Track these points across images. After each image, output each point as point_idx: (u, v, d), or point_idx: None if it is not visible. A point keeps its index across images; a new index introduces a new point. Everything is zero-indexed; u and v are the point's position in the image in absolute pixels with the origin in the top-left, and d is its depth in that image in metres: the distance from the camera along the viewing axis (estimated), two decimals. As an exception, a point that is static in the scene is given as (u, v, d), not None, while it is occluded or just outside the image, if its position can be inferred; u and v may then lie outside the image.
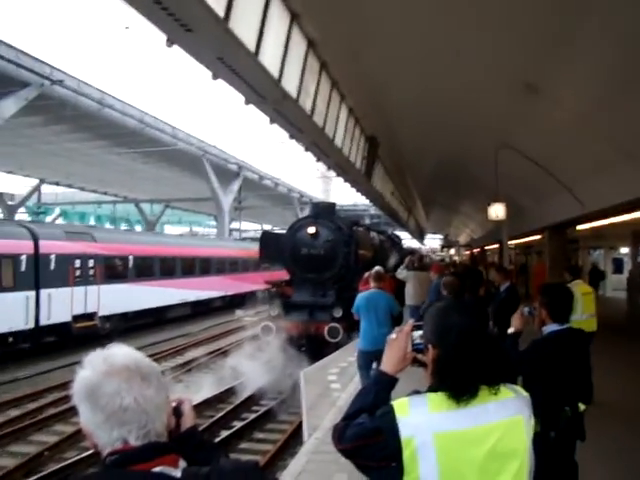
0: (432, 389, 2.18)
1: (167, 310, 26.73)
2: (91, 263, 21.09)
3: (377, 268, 9.76)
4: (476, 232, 37.17)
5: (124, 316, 23.10)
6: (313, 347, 14.45)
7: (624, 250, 32.06)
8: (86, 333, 19.65)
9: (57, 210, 50.16)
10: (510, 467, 2.06)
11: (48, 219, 41.57)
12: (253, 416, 11.84)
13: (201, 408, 12.24)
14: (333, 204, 18.28)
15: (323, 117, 11.24)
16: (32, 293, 17.97)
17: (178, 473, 1.46)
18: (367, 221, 47.52)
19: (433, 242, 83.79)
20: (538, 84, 9.74)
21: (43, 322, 18.28)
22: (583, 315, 8.75)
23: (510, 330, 4.69)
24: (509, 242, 20.77)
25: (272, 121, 10.62)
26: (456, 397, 2.07)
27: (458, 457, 2.02)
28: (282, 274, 17.96)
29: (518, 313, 4.77)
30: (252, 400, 13.02)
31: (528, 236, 23.48)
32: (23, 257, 17.88)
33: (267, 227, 73.95)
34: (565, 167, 12.82)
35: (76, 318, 19.83)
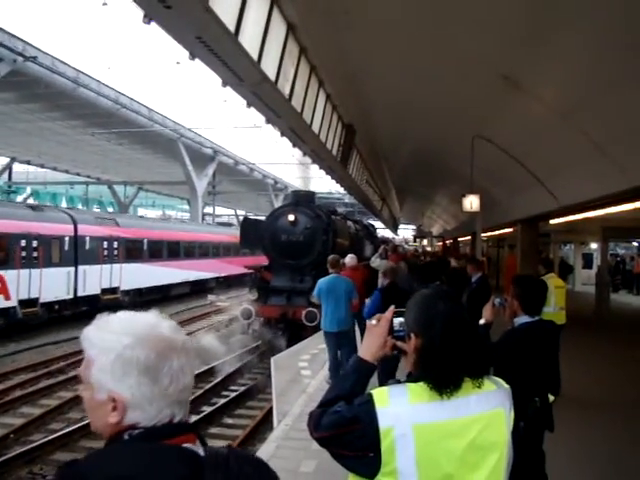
0: (413, 379, 2.13)
1: (172, 288, 30.57)
2: (115, 244, 24.83)
3: (334, 256, 10.48)
4: (449, 223, 37.36)
5: (139, 291, 26.86)
6: (291, 330, 14.94)
7: (594, 245, 32.50)
8: (110, 305, 21.01)
9: (28, 190, 49.50)
10: (489, 460, 2.05)
11: (18, 199, 40.85)
12: (223, 401, 11.80)
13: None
14: (313, 193, 18.89)
15: (301, 102, 11.16)
16: (72, 269, 21.60)
17: (201, 451, 1.43)
18: (341, 209, 47.70)
19: (406, 232, 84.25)
20: (516, 77, 9.77)
21: (80, 293, 21.99)
22: (555, 308, 8.91)
23: (481, 321, 4.70)
24: (482, 234, 20.90)
25: (249, 104, 10.51)
26: (439, 389, 2.03)
27: (437, 449, 1.99)
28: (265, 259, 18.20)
29: (489, 304, 4.79)
30: (222, 385, 12.99)
31: (501, 229, 23.66)
32: (66, 238, 21.52)
33: (241, 212, 73.80)
34: (540, 161, 12.89)
35: (103, 291, 23.64)
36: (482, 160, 13.80)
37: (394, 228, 72.00)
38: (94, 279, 23.00)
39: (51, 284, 20.15)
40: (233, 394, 12.36)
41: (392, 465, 1.98)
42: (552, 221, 17.70)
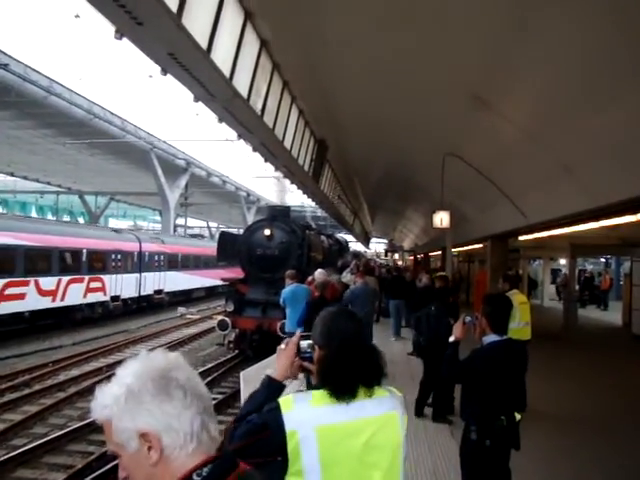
0: (316, 387, 2.39)
1: (194, 291, 38.06)
2: (162, 257, 32.33)
3: (291, 271, 12.24)
4: (421, 238, 37.55)
5: (174, 293, 33.87)
6: (266, 342, 15.15)
7: (563, 261, 32.90)
8: (158, 303, 31.33)
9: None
10: (386, 458, 2.30)
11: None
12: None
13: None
14: (288, 208, 19.31)
15: (273, 118, 11.19)
16: (138, 275, 29.13)
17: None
18: (313, 223, 47.83)
19: (378, 246, 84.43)
20: (486, 97, 9.89)
21: (142, 293, 29.70)
22: (520, 323, 9.01)
23: (451, 338, 4.73)
24: (453, 250, 21.01)
25: (221, 120, 10.51)
26: (337, 395, 2.28)
27: (338, 448, 2.23)
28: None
29: (460, 322, 4.81)
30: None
31: (472, 244, 23.83)
32: (135, 253, 29.23)
33: (213, 224, 73.41)
34: (509, 179, 13.02)
35: (155, 292, 31.22)
36: (453, 177, 13.92)
37: (366, 242, 72.19)
38: (150, 283, 30.44)
39: (127, 285, 27.69)
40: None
41: (298, 465, 2.20)
42: (521, 238, 17.89)
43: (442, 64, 9.26)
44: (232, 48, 8.07)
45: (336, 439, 2.23)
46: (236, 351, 17.07)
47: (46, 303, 21.62)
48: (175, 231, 46.95)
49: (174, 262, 33.99)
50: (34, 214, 50.22)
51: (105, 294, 25.72)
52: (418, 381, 9.30)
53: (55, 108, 26.92)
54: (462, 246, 26.35)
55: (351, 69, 10.84)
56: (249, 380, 11.29)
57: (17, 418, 11.55)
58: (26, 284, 20.42)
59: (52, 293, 21.94)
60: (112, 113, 32.04)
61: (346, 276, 15.33)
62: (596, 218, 11.81)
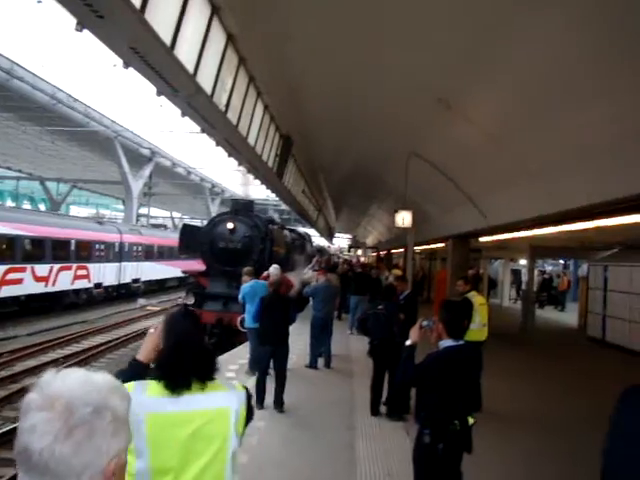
0: (155, 377, 2.59)
1: (167, 281, 39.50)
2: (140, 248, 34.36)
3: (249, 268, 12.26)
4: (384, 235, 37.72)
5: (149, 282, 35.73)
6: (226, 336, 15.25)
7: (523, 262, 33.32)
8: (134, 291, 33.01)
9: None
10: (212, 447, 2.49)
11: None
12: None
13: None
14: (251, 202, 19.23)
15: (237, 113, 11.11)
16: (118, 264, 31.00)
17: None
18: (277, 216, 47.80)
19: (342, 242, 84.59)
20: (450, 99, 9.95)
21: (122, 281, 31.75)
22: (479, 324, 9.14)
23: (407, 342, 4.74)
24: (415, 247, 21.13)
25: (184, 114, 10.39)
26: (170, 387, 2.50)
27: (165, 435, 2.45)
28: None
29: (416, 326, 4.82)
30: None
31: (434, 243, 23.98)
32: (117, 243, 31.22)
33: (176, 215, 72.86)
34: (472, 181, 13.14)
35: (132, 280, 33.08)
36: (417, 177, 14.00)
37: (330, 237, 72.31)
38: (129, 272, 32.29)
39: (108, 274, 29.83)
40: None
41: (132, 445, 2.15)
42: (481, 239, 18.07)
43: (409, 65, 9.30)
44: (197, 43, 7.98)
45: (164, 427, 2.45)
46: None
47: (40, 288, 23.75)
48: (138, 221, 46.46)
49: (150, 253, 36.30)
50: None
51: (90, 281, 27.97)
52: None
53: (18, 92, 26.40)
54: (425, 245, 26.53)
55: (318, 65, 10.83)
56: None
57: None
58: (24, 270, 22.45)
59: (45, 279, 24.03)
60: (76, 99, 31.46)
61: (307, 272, 15.38)
62: (556, 223, 11.99)
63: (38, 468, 1.15)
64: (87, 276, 27.56)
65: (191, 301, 16.63)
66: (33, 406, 1.19)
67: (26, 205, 54.46)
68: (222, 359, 12.98)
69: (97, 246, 28.71)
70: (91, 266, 27.84)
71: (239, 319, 14.38)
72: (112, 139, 36.76)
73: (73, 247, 26.31)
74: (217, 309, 16.16)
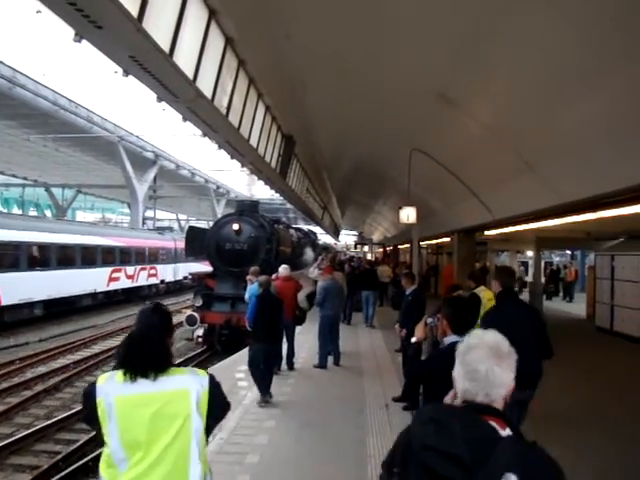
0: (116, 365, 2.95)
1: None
2: (177, 251, 39.02)
3: (255, 268, 12.14)
4: (390, 231, 37.72)
5: (186, 278, 39.88)
6: (235, 336, 15.42)
7: (530, 253, 33.31)
8: (185, 285, 40.50)
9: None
10: (174, 425, 2.81)
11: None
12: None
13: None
14: (257, 202, 19.29)
15: (239, 115, 11.15)
16: (173, 265, 38.99)
17: (504, 434, 1.88)
18: (282, 215, 47.83)
19: (348, 238, 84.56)
20: (450, 95, 9.97)
21: (177, 278, 40.07)
22: (488, 319, 9.09)
23: (413, 339, 4.78)
24: (422, 242, 21.13)
25: (185, 119, 10.44)
26: (130, 373, 2.83)
27: (131, 415, 2.78)
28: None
29: (422, 323, 4.86)
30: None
31: (439, 238, 24.00)
32: (172, 249, 39.34)
33: (182, 217, 72.91)
34: (475, 175, 13.14)
35: (184, 277, 39.61)
36: (420, 172, 14.01)
37: (335, 235, 72.30)
38: (181, 271, 39.25)
39: (168, 272, 38.30)
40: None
41: (105, 428, 2.78)
42: (487, 232, 18.07)
43: (409, 62, 9.31)
44: (196, 48, 8.02)
45: (130, 408, 2.79)
46: (205, 346, 17.06)
47: (130, 283, 32.91)
48: (144, 224, 46.56)
49: (182, 255, 41.16)
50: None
51: (157, 278, 37.10)
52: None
53: (20, 99, 26.40)
54: (430, 239, 26.55)
55: (318, 64, 10.83)
56: (216, 377, 11.37)
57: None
58: (120, 271, 31.27)
59: (132, 277, 33.03)
60: (78, 105, 31.51)
61: (313, 272, 15.45)
62: (560, 215, 12.00)
63: (481, 380, 2.06)
64: (156, 275, 36.68)
65: (199, 303, 16.69)
66: (474, 347, 2.14)
67: (32, 212, 54.47)
68: (232, 359, 13.11)
69: (161, 251, 37.66)
70: (158, 267, 36.92)
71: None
72: (115, 143, 36.79)
73: (147, 253, 35.33)
74: (225, 310, 16.29)
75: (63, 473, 8.54)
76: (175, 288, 40.20)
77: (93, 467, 8.85)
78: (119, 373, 2.87)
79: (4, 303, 21.18)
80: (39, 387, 13.63)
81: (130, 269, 32.29)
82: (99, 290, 28.98)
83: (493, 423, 1.89)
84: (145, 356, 2.87)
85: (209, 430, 3.04)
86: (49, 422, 10.85)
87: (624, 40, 5.79)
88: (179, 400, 2.85)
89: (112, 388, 2.83)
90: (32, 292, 22.93)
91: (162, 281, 37.64)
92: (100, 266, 28.85)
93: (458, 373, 2.17)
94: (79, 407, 11.61)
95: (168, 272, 38.35)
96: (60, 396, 13.14)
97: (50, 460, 9.16)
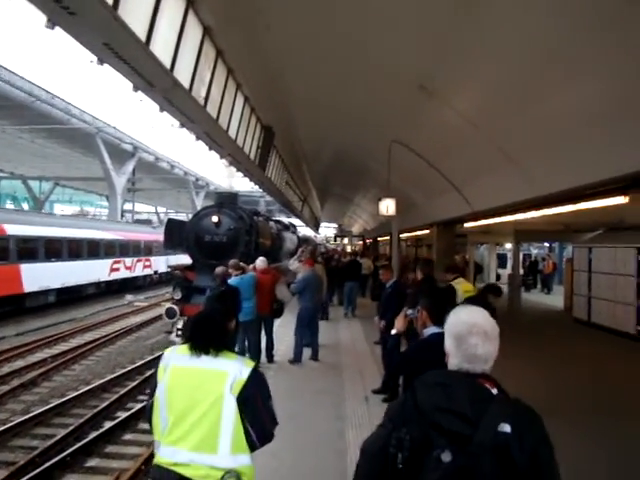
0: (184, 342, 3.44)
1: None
2: (158, 244, 38.00)
3: (235, 261, 12.26)
4: (369, 223, 37.79)
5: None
6: None
7: (508, 246, 33.52)
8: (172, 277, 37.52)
9: None
10: (209, 399, 3.18)
11: None
12: (139, 406, 11.54)
13: (84, 398, 11.92)
14: (236, 194, 19.15)
15: (217, 106, 11.05)
16: (166, 257, 38.64)
17: (495, 392, 2.25)
18: (262, 207, 47.72)
19: (328, 231, 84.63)
20: (431, 87, 9.96)
21: (168, 269, 35.13)
22: (465, 311, 9.11)
23: (393, 331, 4.75)
24: (401, 235, 21.15)
25: (162, 109, 10.31)
26: (191, 349, 3.34)
27: (177, 384, 3.25)
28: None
29: (402, 315, 4.82)
30: (138, 390, 12.74)
31: (419, 230, 24.05)
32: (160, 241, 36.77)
33: (161, 210, 72.56)
34: (454, 168, 13.17)
35: (173, 268, 36.11)
36: (400, 164, 14.02)
37: (315, 227, 72.28)
38: (172, 261, 36.11)
39: (161, 263, 39.21)
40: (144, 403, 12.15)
41: (159, 390, 3.27)
42: (466, 224, 18.13)
43: (390, 53, 9.29)
44: (173, 36, 7.91)
45: (178, 376, 3.28)
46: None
47: (128, 273, 35.09)
48: (123, 217, 46.26)
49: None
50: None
51: (151, 269, 39.09)
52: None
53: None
54: (410, 231, 26.59)
55: (298, 55, 10.78)
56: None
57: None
58: (120, 262, 33.47)
59: (130, 268, 35.31)
60: (55, 96, 31.11)
61: (293, 264, 15.40)
62: (537, 207, 12.05)
63: (479, 361, 2.34)
64: (150, 266, 38.68)
65: (178, 295, 16.59)
66: (471, 333, 2.36)
67: (10, 205, 53.94)
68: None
69: (154, 244, 38.56)
70: (152, 259, 38.89)
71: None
72: (93, 135, 36.50)
73: (142, 246, 37.36)
74: (204, 302, 16.04)
75: (40, 469, 8.41)
76: (167, 278, 40.67)
77: (71, 462, 8.75)
78: (184, 347, 3.39)
79: (26, 290, 23.67)
80: (16, 382, 13.43)
81: (128, 260, 34.94)
82: (102, 279, 31.48)
83: (487, 385, 2.27)
84: (207, 336, 3.35)
85: (248, 435, 3.32)
86: (26, 417, 10.69)
87: (606, 28, 5.79)
88: (216, 379, 3.23)
89: (173, 357, 3.38)
90: (49, 281, 25.61)
91: (155, 272, 39.75)
92: (103, 258, 31.31)
93: (454, 355, 2.39)
94: (57, 402, 11.52)
95: (160, 263, 40.01)
96: (37, 391, 12.97)
97: (27, 456, 9.02)
